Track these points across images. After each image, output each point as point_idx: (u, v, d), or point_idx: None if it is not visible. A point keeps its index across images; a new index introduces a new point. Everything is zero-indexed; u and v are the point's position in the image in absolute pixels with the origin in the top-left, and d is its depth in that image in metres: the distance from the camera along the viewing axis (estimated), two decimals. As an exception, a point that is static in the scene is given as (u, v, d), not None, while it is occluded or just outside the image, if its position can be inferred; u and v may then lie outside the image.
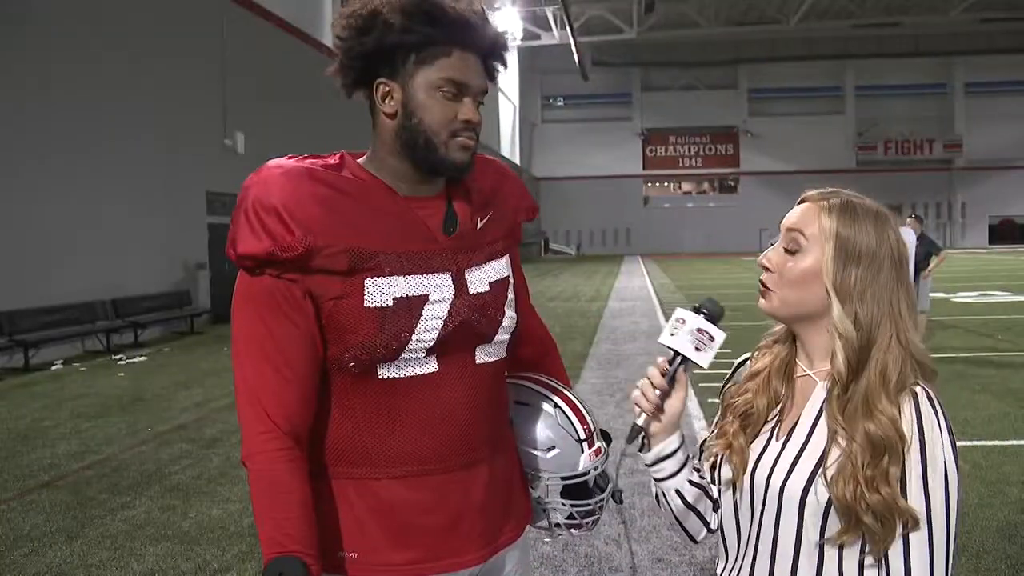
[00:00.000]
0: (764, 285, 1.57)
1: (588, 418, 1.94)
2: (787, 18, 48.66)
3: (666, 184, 65.66)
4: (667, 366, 1.62)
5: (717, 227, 61.92)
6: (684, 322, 1.61)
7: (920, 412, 1.42)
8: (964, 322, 15.19)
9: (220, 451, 7.39)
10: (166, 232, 17.02)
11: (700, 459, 1.72)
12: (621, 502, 1.96)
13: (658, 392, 1.62)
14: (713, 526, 1.71)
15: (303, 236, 1.56)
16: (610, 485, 1.95)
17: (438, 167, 1.71)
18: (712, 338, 1.60)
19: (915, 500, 1.39)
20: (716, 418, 1.72)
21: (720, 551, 1.67)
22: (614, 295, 24.13)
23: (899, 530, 1.38)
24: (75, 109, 14.28)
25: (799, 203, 1.60)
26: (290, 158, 1.68)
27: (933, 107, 62.15)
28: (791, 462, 1.50)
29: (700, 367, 1.62)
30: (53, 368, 12.76)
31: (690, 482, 1.68)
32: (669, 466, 1.67)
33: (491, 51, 1.73)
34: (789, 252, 1.54)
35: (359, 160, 1.76)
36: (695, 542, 1.76)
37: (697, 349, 1.59)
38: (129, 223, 15.66)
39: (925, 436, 1.40)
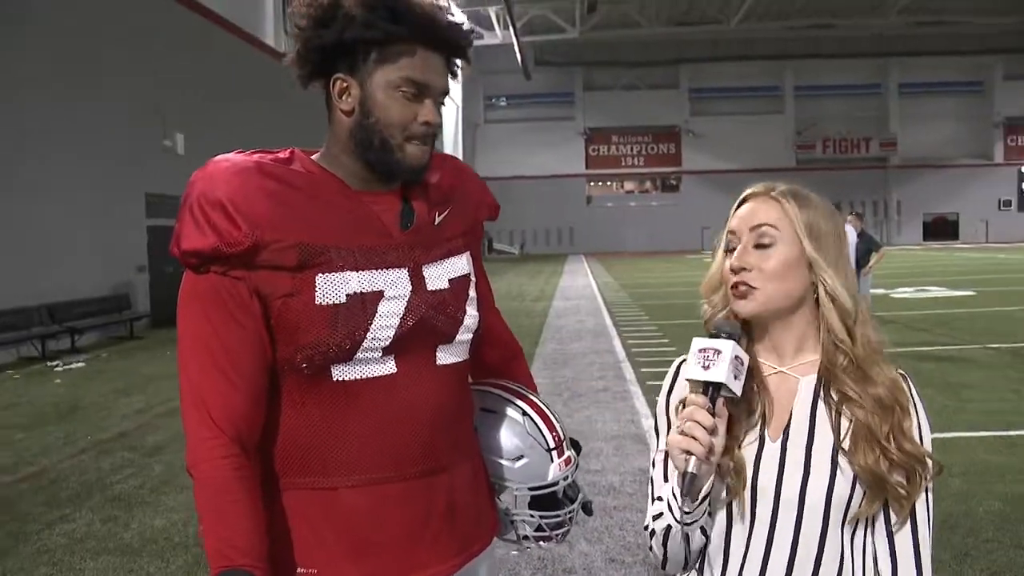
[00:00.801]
0: (746, 286, 1.53)
1: (557, 426, 1.87)
2: (727, 19, 49.34)
3: (609, 183, 66.06)
4: (709, 403, 1.45)
5: (659, 226, 62.40)
6: (719, 352, 1.45)
7: (910, 388, 1.52)
8: (902, 317, 15.45)
9: (163, 459, 7.21)
10: (104, 235, 16.60)
11: (655, 472, 1.64)
12: (591, 513, 1.90)
13: (705, 431, 1.44)
14: None
15: (249, 231, 1.49)
16: (580, 495, 1.88)
17: (392, 169, 1.64)
18: (743, 362, 1.48)
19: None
20: (656, 428, 1.69)
21: (707, 561, 1.60)
22: (559, 294, 24.16)
23: (923, 482, 1.46)
24: (6, 111, 13.90)
25: (742, 202, 1.59)
26: (238, 153, 1.61)
27: (869, 107, 63.45)
28: (803, 462, 1.49)
29: (734, 394, 1.47)
30: (-14, 376, 12.38)
31: (709, 514, 1.55)
32: (705, 506, 1.51)
33: (455, 50, 1.66)
34: (761, 248, 1.53)
35: (312, 156, 1.69)
36: (688, 569, 1.64)
37: (735, 377, 1.46)
38: (64, 225, 15.25)
39: (919, 409, 1.51)
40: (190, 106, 19.84)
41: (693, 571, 1.62)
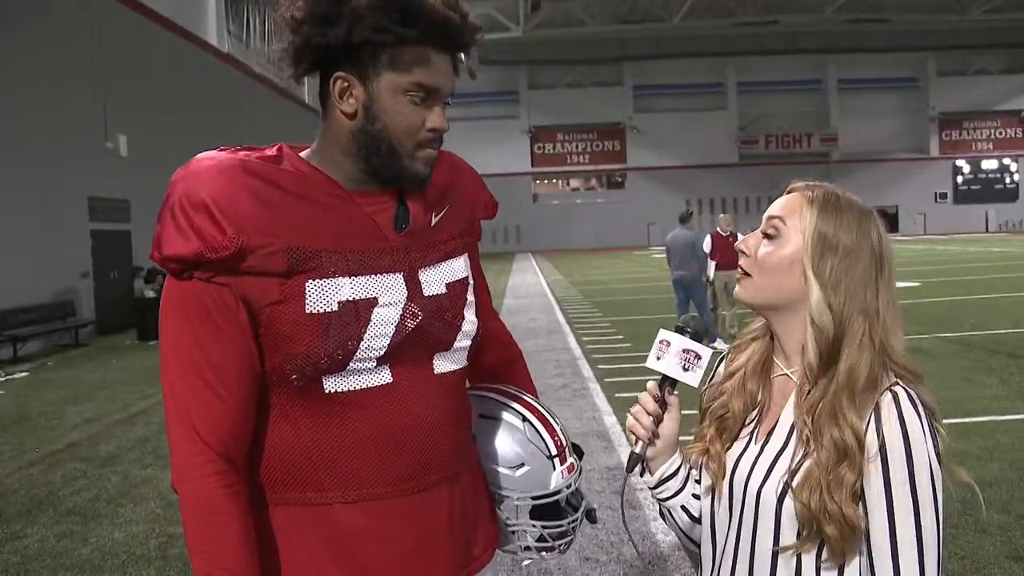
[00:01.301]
0: (743, 271, 1.53)
1: (559, 431, 1.80)
2: (670, 16, 49.76)
3: (555, 181, 66.24)
4: (657, 391, 1.56)
5: (606, 223, 62.71)
6: (669, 344, 1.56)
7: (902, 413, 1.38)
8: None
9: (118, 469, 7.00)
10: (44, 239, 16.11)
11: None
12: (595, 521, 1.84)
13: (651, 418, 1.57)
14: None
15: (235, 235, 1.40)
16: (584, 503, 1.82)
17: (398, 177, 1.56)
18: (699, 357, 1.55)
19: (902, 501, 1.35)
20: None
21: (704, 567, 1.61)
22: (509, 293, 24.12)
23: (859, 545, 1.37)
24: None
25: (787, 192, 1.56)
26: (222, 150, 1.52)
27: (810, 102, 64.42)
28: (768, 466, 1.46)
29: (691, 387, 1.57)
30: (-76, 388, 11.98)
31: (694, 496, 1.62)
32: (673, 485, 1.61)
33: (464, 49, 1.58)
34: (767, 238, 1.51)
35: (301, 153, 1.59)
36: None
37: (685, 369, 1.55)
38: (2, 230, 14.79)
39: (909, 436, 1.36)
40: (133, 107, 19.41)
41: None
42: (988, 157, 65.30)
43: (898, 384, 1.42)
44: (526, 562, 1.83)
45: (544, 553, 1.80)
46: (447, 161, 1.74)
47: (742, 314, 13.02)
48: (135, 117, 19.47)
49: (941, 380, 8.85)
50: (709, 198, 59.32)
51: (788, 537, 1.42)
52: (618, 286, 24.94)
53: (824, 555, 1.40)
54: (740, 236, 9.43)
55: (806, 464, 1.40)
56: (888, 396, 1.40)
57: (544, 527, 1.76)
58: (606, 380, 9.86)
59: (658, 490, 1.62)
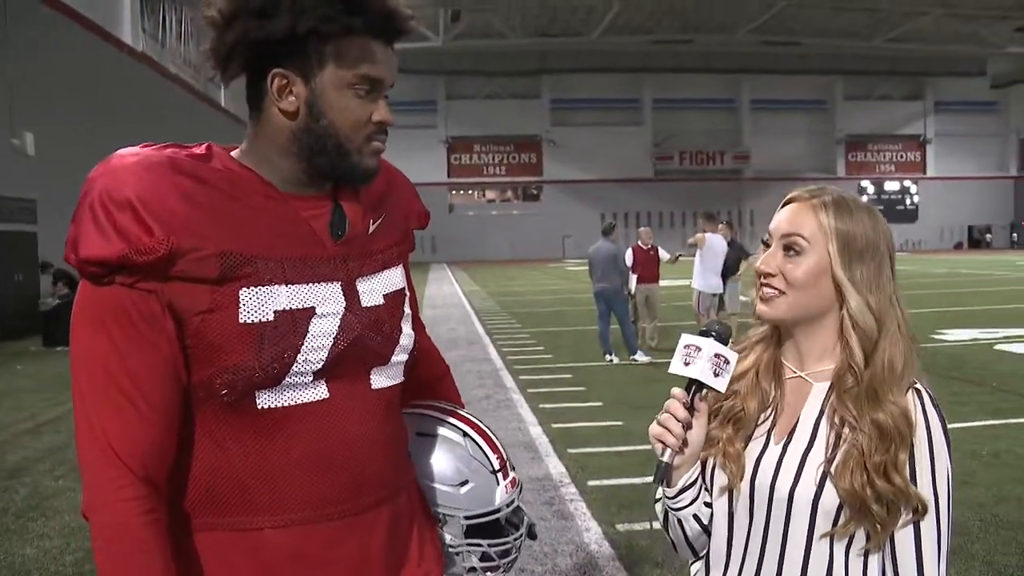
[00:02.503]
0: (771, 289, 1.53)
1: (500, 446, 1.77)
2: (590, 31, 50.19)
3: (471, 192, 66.36)
4: (687, 397, 1.52)
5: (521, 234, 62.97)
6: (700, 349, 1.51)
7: (926, 411, 1.47)
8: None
9: (26, 481, 6.68)
10: (-57, 240, 15.47)
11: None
12: (535, 537, 1.81)
13: (681, 425, 1.52)
14: None
15: (164, 236, 1.30)
16: (525, 519, 1.78)
17: (347, 175, 1.50)
18: (727, 361, 1.51)
19: (924, 490, 1.43)
20: None
21: (713, 571, 1.62)
22: (426, 303, 23.95)
23: (904, 517, 1.43)
24: None
25: (785, 204, 1.59)
26: (145, 146, 1.42)
27: (724, 121, 65.78)
28: (797, 465, 1.50)
29: (718, 392, 1.52)
30: None
31: (705, 504, 1.61)
32: (691, 494, 1.59)
33: (399, 37, 1.51)
34: (790, 255, 1.52)
35: (231, 153, 1.51)
36: (699, 558, 1.67)
37: (716, 375, 1.50)
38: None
39: (932, 434, 1.45)
40: (42, 104, 18.74)
41: (701, 568, 1.64)
42: (891, 179, 67.88)
43: (918, 383, 1.49)
44: None
45: (489, 574, 1.74)
46: (385, 169, 1.66)
47: (663, 327, 13.18)
48: (44, 115, 18.78)
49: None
50: (624, 212, 59.99)
51: (822, 529, 1.46)
52: (536, 297, 25.05)
53: (855, 544, 1.45)
54: (661, 249, 9.58)
55: (842, 451, 1.45)
56: (912, 392, 1.48)
57: (490, 545, 1.71)
58: (529, 391, 9.87)
59: (676, 500, 1.58)
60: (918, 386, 1.50)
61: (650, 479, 1.56)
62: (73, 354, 1.38)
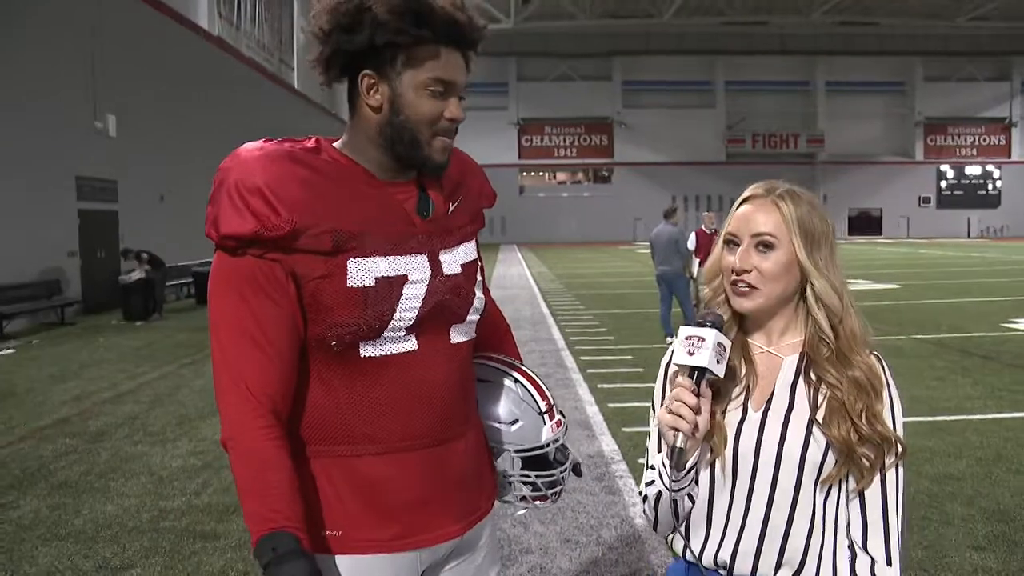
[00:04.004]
0: (747, 285, 1.69)
1: (547, 392, 2.01)
2: (661, 12, 49.79)
3: (541, 174, 66.42)
4: (693, 385, 1.63)
5: (591, 217, 62.93)
6: (703, 340, 1.64)
7: (885, 370, 1.69)
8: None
9: (108, 445, 7.12)
10: (32, 218, 16.16)
11: (650, 442, 1.84)
12: (581, 474, 2.05)
13: (692, 411, 1.62)
14: None
15: (288, 216, 1.59)
16: (570, 456, 2.03)
17: (419, 164, 1.76)
18: (725, 348, 1.66)
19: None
20: (653, 403, 1.89)
21: (693, 533, 1.77)
22: (494, 283, 24.19)
23: (889, 459, 1.63)
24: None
25: (742, 202, 1.75)
26: (267, 141, 1.70)
27: (798, 103, 64.84)
28: (781, 426, 1.66)
29: (718, 377, 1.65)
30: (-90, 362, 12.01)
31: (696, 482, 1.74)
32: (692, 475, 1.71)
33: (472, 46, 1.77)
34: (761, 250, 1.68)
35: (335, 144, 1.79)
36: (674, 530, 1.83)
37: (718, 363, 1.64)
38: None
39: (892, 392, 1.68)
40: (122, 87, 19.41)
41: (679, 536, 1.79)
42: (972, 163, 65.88)
43: (875, 352, 1.69)
44: (521, 511, 2.07)
45: (538, 502, 2.01)
46: (458, 157, 1.95)
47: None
48: (124, 98, 19.47)
49: (914, 379, 9.05)
50: (695, 195, 59.59)
51: (808, 481, 1.64)
52: (602, 280, 25.11)
53: (831, 497, 1.66)
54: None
55: (824, 407, 1.64)
56: (874, 358, 1.69)
57: (537, 476, 1.97)
58: (588, 371, 10.01)
59: (680, 482, 1.69)
60: (876, 352, 1.70)
61: None
62: (212, 312, 1.66)
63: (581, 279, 25.67)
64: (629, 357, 11.07)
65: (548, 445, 1.97)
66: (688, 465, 1.67)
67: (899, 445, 1.64)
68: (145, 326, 16.08)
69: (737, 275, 1.70)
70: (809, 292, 1.68)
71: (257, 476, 1.58)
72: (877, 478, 1.64)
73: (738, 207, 1.74)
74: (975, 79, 64.94)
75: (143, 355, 12.34)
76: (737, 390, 1.73)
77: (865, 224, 64.56)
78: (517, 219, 61.29)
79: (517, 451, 1.97)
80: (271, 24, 32.45)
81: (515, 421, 1.98)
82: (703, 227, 13.04)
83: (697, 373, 1.63)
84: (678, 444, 1.62)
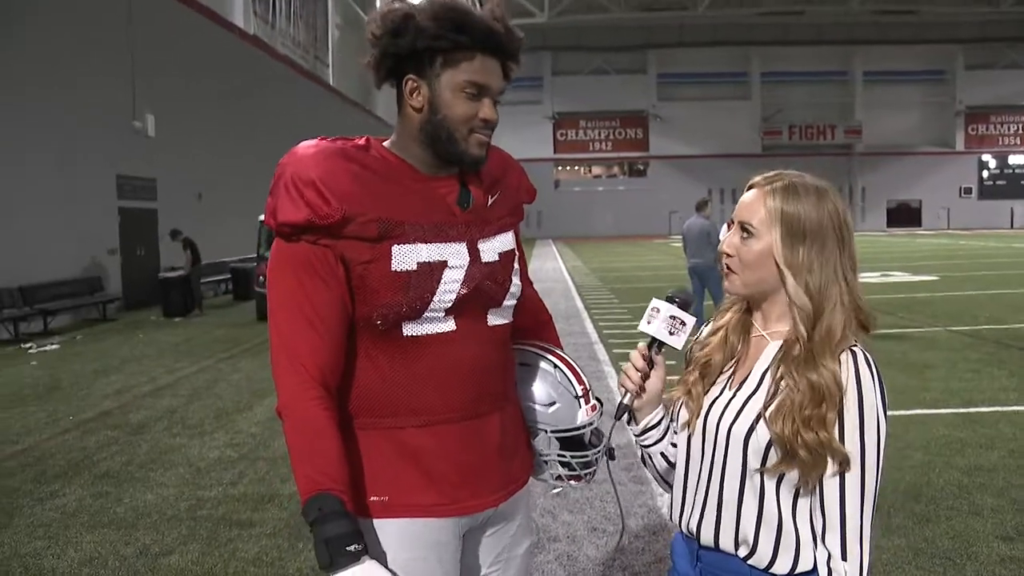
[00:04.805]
0: (729, 269, 1.78)
1: (584, 378, 2.12)
2: (695, 4, 49.52)
3: (576, 168, 66.35)
4: (646, 351, 1.86)
5: (627, 210, 62.74)
6: (658, 311, 1.85)
7: (858, 369, 1.64)
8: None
9: (148, 437, 7.32)
10: (74, 217, 16.51)
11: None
12: (614, 458, 2.13)
13: (639, 374, 1.86)
14: None
15: (339, 206, 1.73)
16: (605, 440, 2.12)
17: (457, 159, 1.89)
18: (683, 323, 1.83)
19: (851, 444, 1.61)
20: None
21: (675, 498, 1.88)
22: (530, 278, 24.28)
23: (831, 468, 1.61)
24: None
25: (748, 188, 1.80)
26: (321, 140, 1.86)
27: (834, 94, 63.99)
28: (739, 407, 1.72)
29: (676, 349, 1.86)
30: (-41, 357, 12.34)
31: (672, 444, 1.92)
32: (655, 434, 1.93)
33: (509, 55, 1.91)
34: (744, 237, 1.75)
35: (384, 143, 1.94)
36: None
37: (671, 333, 1.83)
38: (34, 207, 15.18)
39: (863, 389, 1.62)
40: (161, 87, 19.72)
41: (670, 499, 1.92)
42: (1016, 152, 64.67)
43: (856, 344, 1.68)
44: (556, 490, 2.20)
45: (572, 482, 2.11)
46: (497, 154, 2.09)
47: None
48: (162, 97, 19.78)
49: (949, 370, 9.02)
50: (732, 188, 59.04)
51: (753, 466, 1.68)
52: (637, 273, 25.11)
53: (784, 483, 1.66)
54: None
55: (777, 401, 1.65)
56: (847, 354, 1.65)
57: (573, 457, 2.07)
58: (620, 364, 10.05)
59: (642, 437, 1.93)
60: (855, 348, 1.66)
61: None
62: (270, 294, 1.82)
63: (616, 273, 25.71)
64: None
65: (583, 427, 2.07)
66: (643, 424, 1.90)
67: (844, 459, 1.60)
68: (184, 322, 16.39)
69: (725, 258, 1.78)
70: (786, 290, 1.71)
71: (308, 442, 1.72)
72: (836, 480, 1.62)
73: (745, 192, 1.81)
74: (1018, 66, 63.55)
75: (181, 350, 12.60)
76: (728, 367, 1.81)
77: (904, 216, 63.60)
78: (553, 214, 61.24)
79: (553, 431, 2.07)
80: (306, 20, 32.66)
81: (552, 403, 2.08)
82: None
83: (653, 342, 1.84)
84: (624, 400, 1.88)
